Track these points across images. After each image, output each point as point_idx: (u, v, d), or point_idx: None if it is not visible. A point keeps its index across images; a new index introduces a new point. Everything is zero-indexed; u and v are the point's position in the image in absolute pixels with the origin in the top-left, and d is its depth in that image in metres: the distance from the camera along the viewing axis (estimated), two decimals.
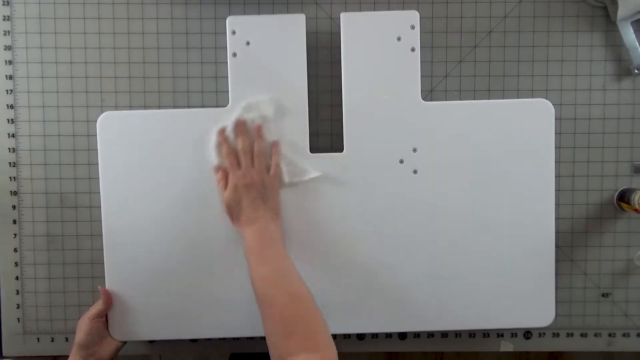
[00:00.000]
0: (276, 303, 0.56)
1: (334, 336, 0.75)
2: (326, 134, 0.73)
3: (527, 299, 0.70)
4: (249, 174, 0.64)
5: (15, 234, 0.74)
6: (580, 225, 0.74)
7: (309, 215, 0.69)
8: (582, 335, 0.76)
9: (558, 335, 0.76)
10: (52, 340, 0.75)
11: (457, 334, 0.76)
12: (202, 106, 0.73)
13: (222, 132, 0.67)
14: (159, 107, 0.73)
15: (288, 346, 0.52)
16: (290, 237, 0.69)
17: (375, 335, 0.76)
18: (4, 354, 0.76)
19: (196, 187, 0.69)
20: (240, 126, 0.67)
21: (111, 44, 0.73)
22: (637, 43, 0.71)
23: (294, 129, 0.69)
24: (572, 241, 0.75)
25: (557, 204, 0.71)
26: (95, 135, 0.69)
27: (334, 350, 0.52)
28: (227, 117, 0.68)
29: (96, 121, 0.69)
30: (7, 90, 0.73)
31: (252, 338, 0.76)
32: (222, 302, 0.70)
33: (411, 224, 0.69)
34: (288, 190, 0.69)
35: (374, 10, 0.73)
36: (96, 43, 0.73)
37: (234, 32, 0.68)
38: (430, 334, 0.76)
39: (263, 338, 0.75)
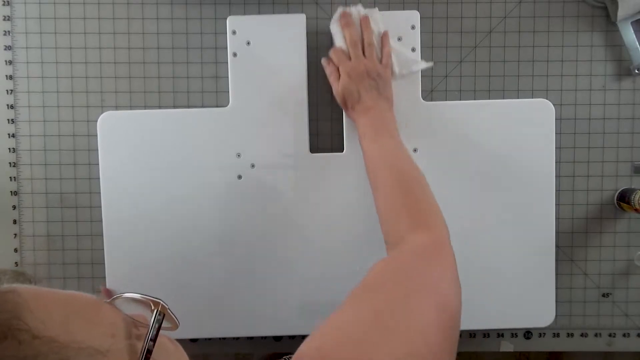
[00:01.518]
0: (389, 182, 0.55)
1: None
2: (326, 134, 0.73)
3: (527, 299, 0.70)
4: (362, 63, 0.63)
5: (15, 234, 0.74)
6: (580, 225, 0.74)
7: (310, 215, 0.69)
8: (582, 335, 0.76)
9: (558, 335, 0.76)
10: None
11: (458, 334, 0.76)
12: (202, 106, 0.73)
13: (345, 15, 0.65)
14: (159, 107, 0.73)
15: (399, 226, 0.51)
16: (291, 236, 0.69)
17: None
18: None
19: (196, 187, 0.69)
20: (346, 17, 0.65)
21: (111, 44, 0.73)
22: (637, 43, 0.71)
23: (294, 129, 0.69)
24: (572, 241, 0.75)
25: (557, 204, 0.71)
26: (96, 135, 0.69)
27: (445, 230, 0.51)
28: (227, 116, 0.68)
29: (96, 121, 0.69)
30: (7, 90, 0.73)
31: (252, 338, 0.76)
32: (222, 301, 0.70)
33: None
34: (290, 192, 0.69)
35: None
36: (96, 43, 0.73)
37: (234, 32, 0.68)
38: None
39: (263, 338, 0.75)
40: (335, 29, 0.66)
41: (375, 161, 0.58)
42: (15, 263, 0.74)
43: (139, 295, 0.37)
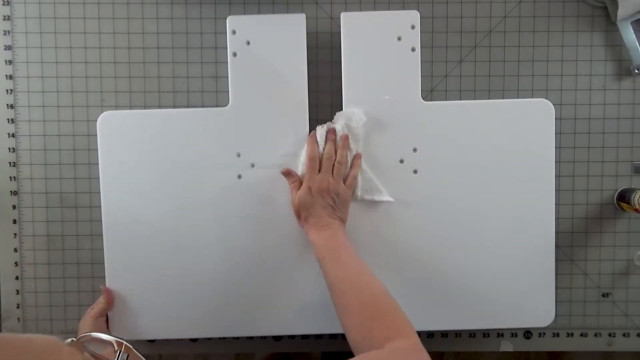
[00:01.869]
0: (357, 304, 0.55)
1: (334, 336, 0.76)
2: None
3: (527, 299, 0.70)
4: (327, 179, 0.65)
5: (15, 234, 0.74)
6: (580, 225, 0.74)
7: None
8: (582, 335, 0.76)
9: (558, 335, 0.76)
10: None
11: (457, 334, 0.76)
12: (202, 106, 0.73)
13: (314, 135, 0.67)
14: (159, 106, 0.73)
15: (374, 340, 0.51)
16: (291, 235, 0.69)
17: None
18: None
19: (196, 187, 0.69)
20: (332, 133, 0.67)
21: (111, 44, 0.73)
22: (637, 43, 0.71)
23: (294, 129, 0.69)
24: (572, 241, 0.75)
25: (557, 204, 0.71)
26: (95, 135, 0.69)
27: (418, 338, 0.52)
28: (228, 117, 0.68)
29: (96, 121, 0.69)
30: (7, 90, 0.73)
31: (252, 338, 0.76)
32: (223, 301, 0.70)
33: (411, 223, 0.69)
34: (288, 191, 0.69)
35: (374, 10, 0.73)
36: (96, 43, 0.73)
37: (234, 32, 0.68)
38: (430, 334, 0.76)
39: (263, 338, 0.75)
40: (320, 133, 0.67)
41: (341, 282, 0.58)
42: (15, 263, 0.74)
43: (103, 335, 0.37)
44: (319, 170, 0.66)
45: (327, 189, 0.64)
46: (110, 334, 0.37)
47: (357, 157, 0.67)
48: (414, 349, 0.50)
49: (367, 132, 0.68)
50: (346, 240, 0.63)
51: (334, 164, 0.66)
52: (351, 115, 0.68)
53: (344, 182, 0.66)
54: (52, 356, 0.33)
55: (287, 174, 0.67)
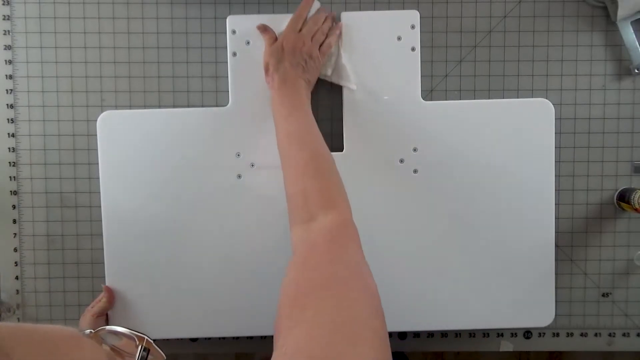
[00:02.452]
0: (300, 159, 0.56)
1: None
2: (326, 134, 0.72)
3: (527, 299, 0.70)
4: (304, 39, 0.64)
5: (15, 234, 0.74)
6: (580, 225, 0.74)
7: None
8: (582, 335, 0.76)
9: (558, 335, 0.76)
10: None
11: (457, 334, 0.76)
12: (202, 106, 0.73)
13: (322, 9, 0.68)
14: (159, 106, 0.73)
15: (309, 204, 0.52)
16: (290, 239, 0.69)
17: None
18: None
19: (196, 186, 0.69)
20: (325, 11, 0.67)
21: (111, 44, 0.73)
22: (637, 43, 0.71)
23: None
24: (572, 241, 0.75)
25: (557, 204, 0.71)
26: (95, 135, 0.69)
27: (349, 208, 0.52)
28: (227, 117, 0.68)
29: (96, 121, 0.69)
30: (7, 90, 0.73)
31: (252, 338, 0.76)
32: (223, 301, 0.70)
33: (411, 223, 0.69)
34: None
35: (374, 9, 0.73)
36: (96, 42, 0.73)
37: (234, 32, 0.68)
38: (430, 334, 0.76)
39: (263, 338, 0.75)
40: (317, 5, 0.68)
41: (288, 138, 0.58)
42: (15, 263, 0.74)
43: (124, 329, 0.36)
44: (300, 31, 0.65)
45: (301, 49, 0.64)
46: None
47: (339, 26, 0.67)
48: (343, 224, 0.50)
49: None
50: (306, 100, 0.62)
51: (315, 31, 0.65)
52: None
53: (319, 49, 0.66)
54: (73, 347, 0.32)
55: (264, 29, 0.67)
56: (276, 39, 0.66)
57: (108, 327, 0.36)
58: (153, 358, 0.37)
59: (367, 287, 0.42)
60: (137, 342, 0.35)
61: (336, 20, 0.69)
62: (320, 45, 0.66)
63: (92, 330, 0.35)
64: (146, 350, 0.35)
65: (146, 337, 0.35)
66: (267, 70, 0.66)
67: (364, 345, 0.36)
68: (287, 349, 0.37)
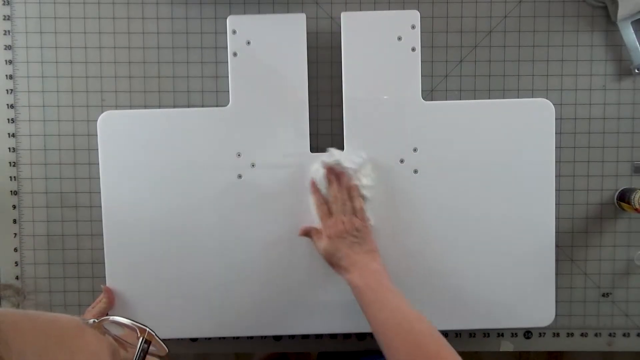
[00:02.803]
0: (398, 344, 0.54)
1: (335, 336, 0.76)
2: (326, 134, 0.73)
3: (527, 299, 0.70)
4: (340, 220, 0.64)
5: (15, 234, 0.74)
6: (580, 225, 0.74)
7: (309, 214, 0.69)
8: (582, 335, 0.76)
9: (558, 335, 0.76)
10: None
11: (457, 334, 0.76)
12: (202, 106, 0.73)
13: (312, 183, 0.67)
14: (159, 106, 0.73)
15: None
16: (291, 235, 0.69)
17: None
18: None
19: (196, 186, 0.69)
20: (330, 174, 0.67)
21: (111, 44, 0.73)
22: (637, 43, 0.71)
23: (294, 129, 0.69)
24: (572, 241, 0.75)
25: (557, 204, 0.71)
26: (96, 135, 0.69)
27: None
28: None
29: (96, 121, 0.69)
30: (7, 90, 0.73)
31: (252, 338, 0.76)
32: (223, 301, 0.70)
33: (411, 223, 0.69)
34: (290, 192, 0.69)
35: (374, 10, 0.73)
36: (96, 43, 0.73)
37: (234, 32, 0.68)
38: None
39: (263, 338, 0.75)
40: (318, 179, 0.67)
41: (384, 325, 0.57)
42: (15, 263, 0.74)
43: (126, 320, 0.36)
44: (331, 215, 0.66)
45: (345, 230, 0.64)
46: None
47: (352, 189, 0.66)
48: None
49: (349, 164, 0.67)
50: (382, 272, 0.61)
51: (343, 203, 0.65)
52: (332, 152, 0.67)
53: (356, 216, 0.65)
54: (76, 336, 0.32)
55: (306, 232, 0.67)
56: (319, 238, 0.66)
57: (111, 318, 0.35)
58: (156, 351, 0.36)
59: None
60: (139, 334, 0.35)
61: (340, 164, 0.67)
62: (355, 213, 0.66)
63: (95, 320, 0.35)
64: (147, 342, 0.35)
65: (148, 329, 0.35)
66: (332, 265, 0.65)
67: None
68: None
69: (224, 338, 0.75)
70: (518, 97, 0.73)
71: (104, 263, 0.69)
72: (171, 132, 0.69)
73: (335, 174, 0.67)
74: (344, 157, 0.67)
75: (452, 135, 0.69)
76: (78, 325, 0.33)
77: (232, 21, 0.68)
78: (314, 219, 0.68)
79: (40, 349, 0.29)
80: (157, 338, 0.35)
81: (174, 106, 0.73)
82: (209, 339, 0.75)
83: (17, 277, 0.75)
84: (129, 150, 0.69)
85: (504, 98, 0.73)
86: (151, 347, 0.35)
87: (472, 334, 0.76)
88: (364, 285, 0.60)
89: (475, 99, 0.73)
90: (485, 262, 0.70)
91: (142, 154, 0.69)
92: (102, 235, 0.69)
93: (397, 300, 0.58)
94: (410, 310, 0.57)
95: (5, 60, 0.72)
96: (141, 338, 0.34)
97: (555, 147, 0.69)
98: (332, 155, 0.67)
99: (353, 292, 0.61)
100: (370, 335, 0.76)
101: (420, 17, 0.68)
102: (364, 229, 0.65)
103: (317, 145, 0.72)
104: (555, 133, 0.69)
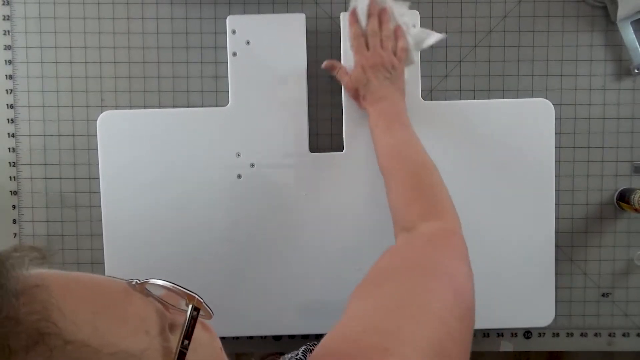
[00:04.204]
0: (401, 172, 0.56)
1: None
2: (326, 133, 0.73)
3: (527, 299, 0.70)
4: (379, 54, 0.64)
5: (15, 234, 0.74)
6: (580, 225, 0.74)
7: (309, 215, 0.69)
8: (582, 335, 0.76)
9: (558, 335, 0.76)
10: None
11: None
12: (202, 106, 0.73)
13: (353, 12, 0.66)
14: (159, 106, 0.73)
15: (411, 214, 0.52)
16: (291, 235, 0.69)
17: None
18: None
19: (196, 186, 0.69)
20: (373, 7, 0.65)
21: (111, 44, 0.73)
22: (637, 43, 0.71)
23: (294, 128, 0.69)
24: (572, 241, 0.74)
25: (557, 204, 0.71)
26: (95, 135, 0.69)
27: (456, 219, 0.52)
28: (226, 116, 0.68)
29: (96, 121, 0.69)
30: (7, 90, 0.73)
31: (252, 338, 0.76)
32: (222, 301, 0.70)
33: None
34: (290, 192, 0.69)
35: None
36: (96, 43, 0.73)
37: (234, 32, 0.68)
38: None
39: (263, 338, 0.75)
40: (361, 8, 0.65)
41: (388, 151, 0.58)
42: None
43: (171, 284, 0.34)
44: (367, 48, 0.65)
45: (382, 63, 0.63)
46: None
47: (397, 29, 0.65)
48: (445, 233, 0.49)
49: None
50: (404, 110, 0.62)
51: (381, 39, 0.64)
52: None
53: (394, 55, 0.65)
54: (124, 301, 0.30)
55: (331, 66, 0.67)
56: (346, 69, 0.66)
57: (153, 280, 0.34)
58: (202, 315, 0.34)
59: (453, 287, 0.42)
60: (187, 301, 0.33)
61: (386, 7, 0.65)
62: (395, 51, 0.65)
63: (138, 280, 0.33)
64: (196, 310, 0.33)
65: (197, 296, 0.34)
66: (357, 96, 0.65)
67: (427, 329, 0.36)
68: (349, 313, 0.39)
69: (224, 338, 0.75)
70: (518, 97, 0.73)
71: (104, 263, 0.69)
72: (171, 132, 0.69)
73: (378, 9, 0.65)
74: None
75: (452, 135, 0.69)
76: (125, 289, 0.31)
77: (231, 21, 0.68)
78: (312, 223, 0.69)
79: (91, 316, 0.27)
80: (205, 305, 0.34)
81: (174, 106, 0.73)
82: None
83: None
84: (128, 150, 0.69)
85: (503, 98, 0.73)
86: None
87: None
88: (380, 114, 0.61)
89: (475, 99, 0.73)
90: (485, 262, 0.70)
91: (142, 153, 0.69)
92: (102, 235, 0.69)
93: (408, 132, 0.59)
94: (418, 145, 0.58)
95: (5, 61, 0.72)
96: (190, 305, 0.33)
97: (555, 147, 0.69)
98: None
99: (370, 122, 0.62)
100: None
101: (420, 17, 0.68)
102: (399, 68, 0.64)
103: (317, 145, 0.72)
104: (555, 133, 0.69)
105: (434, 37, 0.67)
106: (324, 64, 0.67)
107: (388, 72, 0.63)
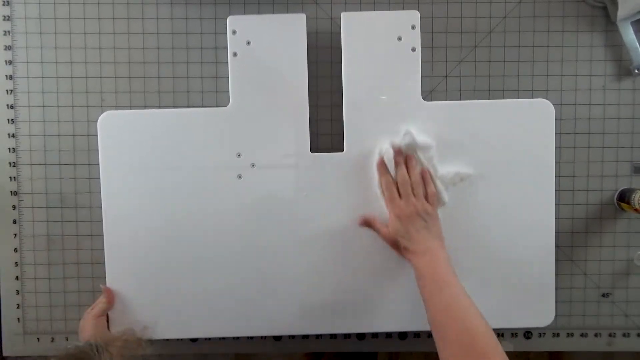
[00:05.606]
0: (453, 334, 0.55)
1: (334, 336, 0.76)
2: (326, 134, 0.73)
3: (527, 299, 0.70)
4: (412, 203, 0.64)
5: (15, 234, 0.74)
6: (580, 225, 0.74)
7: (310, 215, 0.69)
8: (582, 335, 0.76)
9: (558, 335, 0.76)
10: (52, 340, 0.75)
11: None
12: (202, 106, 0.73)
13: (382, 161, 0.67)
14: (159, 107, 0.73)
15: None
16: (291, 235, 0.69)
17: (375, 335, 0.76)
18: (4, 354, 0.76)
19: (196, 187, 0.69)
20: (398, 156, 0.66)
21: (111, 44, 0.73)
22: (637, 43, 0.71)
23: (294, 129, 0.69)
24: (572, 241, 0.75)
25: (557, 204, 0.71)
26: (95, 135, 0.69)
27: None
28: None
29: (96, 121, 0.69)
30: (7, 90, 0.73)
31: (252, 338, 0.76)
32: (223, 301, 0.70)
33: None
34: (290, 192, 0.69)
35: (374, 10, 0.73)
36: (96, 43, 0.73)
37: (234, 32, 0.68)
38: (430, 334, 0.76)
39: (263, 338, 0.75)
40: (388, 158, 0.66)
41: (439, 308, 0.58)
42: (15, 263, 0.74)
43: None
44: (400, 196, 0.65)
45: (416, 212, 0.63)
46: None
47: (424, 174, 0.66)
48: None
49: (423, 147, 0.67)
50: (447, 265, 0.61)
51: (411, 186, 0.65)
52: (405, 135, 0.66)
53: (426, 200, 0.65)
54: None
55: (365, 222, 0.67)
56: (383, 224, 0.66)
57: None
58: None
59: None
60: None
61: (412, 155, 0.66)
62: (426, 197, 0.65)
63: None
64: None
65: None
66: (397, 247, 0.65)
67: None
68: None
69: (224, 338, 0.75)
70: (518, 98, 0.73)
71: (104, 263, 0.69)
72: (171, 133, 0.69)
73: (404, 156, 0.66)
74: (419, 142, 0.66)
75: (452, 135, 0.69)
76: None
77: (232, 21, 0.68)
78: (313, 223, 0.69)
79: None
80: None
81: (174, 106, 0.73)
82: (209, 339, 0.75)
83: (17, 278, 0.75)
84: (129, 150, 0.69)
85: (504, 98, 0.73)
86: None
87: None
88: (431, 272, 0.61)
89: (475, 99, 0.73)
90: (485, 262, 0.70)
91: (142, 154, 0.69)
92: (102, 235, 0.69)
93: (460, 294, 0.58)
94: (471, 306, 0.57)
95: (5, 61, 0.72)
96: None
97: (555, 147, 0.69)
98: (407, 136, 0.66)
99: (417, 275, 0.62)
100: (370, 335, 0.76)
101: (420, 18, 0.68)
102: (433, 213, 0.65)
103: (317, 145, 0.72)
104: (555, 133, 0.69)
105: (461, 176, 0.68)
106: (360, 222, 0.67)
107: (423, 220, 0.63)
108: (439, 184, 0.67)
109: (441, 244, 0.64)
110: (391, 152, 0.66)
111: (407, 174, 0.65)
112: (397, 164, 0.66)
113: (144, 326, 0.59)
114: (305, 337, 0.76)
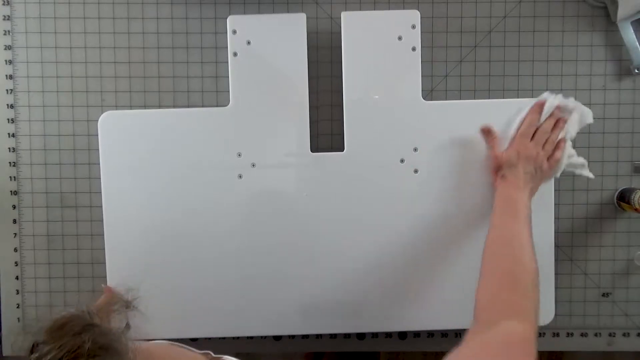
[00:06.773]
0: (498, 267, 0.58)
1: (334, 336, 0.76)
2: (327, 134, 0.73)
3: None
4: (538, 150, 0.65)
5: (15, 234, 0.74)
6: (580, 225, 0.74)
7: (310, 215, 0.69)
8: (582, 335, 0.76)
9: (558, 335, 0.76)
10: None
11: (457, 333, 0.76)
12: (203, 106, 0.73)
13: (541, 105, 0.67)
14: (159, 106, 0.73)
15: (491, 312, 0.54)
16: (292, 235, 0.69)
17: (375, 335, 0.76)
18: (4, 354, 0.76)
19: (197, 186, 0.69)
20: (557, 110, 0.67)
21: (111, 44, 0.73)
22: (637, 43, 0.71)
23: (295, 128, 0.69)
24: (572, 241, 0.75)
25: (557, 204, 0.71)
26: (96, 135, 0.69)
27: (534, 331, 0.52)
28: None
29: (96, 121, 0.69)
30: (7, 90, 0.73)
31: (252, 338, 0.76)
32: (223, 301, 0.70)
33: (412, 223, 0.69)
34: (291, 192, 0.69)
35: (374, 9, 0.73)
36: (96, 43, 0.73)
37: (234, 32, 0.68)
38: (430, 334, 0.76)
39: (263, 338, 0.75)
40: (549, 106, 0.67)
41: (495, 240, 0.61)
42: (15, 263, 0.74)
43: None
44: (531, 139, 0.66)
45: (535, 158, 0.65)
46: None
47: (561, 141, 0.67)
48: (522, 341, 0.50)
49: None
50: (527, 208, 0.63)
51: (546, 140, 0.66)
52: (568, 103, 0.67)
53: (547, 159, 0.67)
54: None
55: (488, 131, 0.68)
56: (498, 141, 0.67)
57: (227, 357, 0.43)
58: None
59: None
60: None
61: (567, 118, 0.67)
62: (549, 157, 0.66)
63: (212, 354, 0.41)
64: None
65: None
66: (496, 171, 0.66)
67: None
68: None
69: (224, 338, 0.75)
70: (518, 97, 0.73)
71: (104, 263, 0.69)
72: (172, 133, 0.69)
73: (559, 114, 0.67)
74: (580, 119, 0.68)
75: (452, 135, 0.69)
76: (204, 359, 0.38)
77: (232, 21, 0.68)
78: (313, 223, 0.69)
79: None
80: None
81: (174, 106, 0.73)
82: (209, 339, 0.75)
83: (17, 278, 0.75)
84: (129, 150, 0.69)
85: (504, 98, 0.73)
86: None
87: None
88: (505, 206, 0.63)
89: (475, 99, 0.73)
90: None
91: (143, 154, 0.69)
92: (102, 235, 0.69)
93: (523, 235, 0.60)
94: (531, 247, 0.59)
95: (5, 60, 0.72)
96: None
97: None
98: (576, 104, 0.67)
99: (495, 200, 0.64)
100: (370, 335, 0.76)
101: (420, 17, 0.68)
102: (546, 171, 0.66)
103: (317, 145, 0.72)
104: None
105: (581, 169, 0.69)
106: (483, 127, 0.68)
107: (534, 170, 0.65)
108: (565, 157, 0.68)
109: (531, 194, 0.65)
110: (555, 103, 0.67)
111: (550, 129, 0.67)
112: (551, 116, 0.67)
113: (128, 288, 0.60)
114: (305, 337, 0.76)
